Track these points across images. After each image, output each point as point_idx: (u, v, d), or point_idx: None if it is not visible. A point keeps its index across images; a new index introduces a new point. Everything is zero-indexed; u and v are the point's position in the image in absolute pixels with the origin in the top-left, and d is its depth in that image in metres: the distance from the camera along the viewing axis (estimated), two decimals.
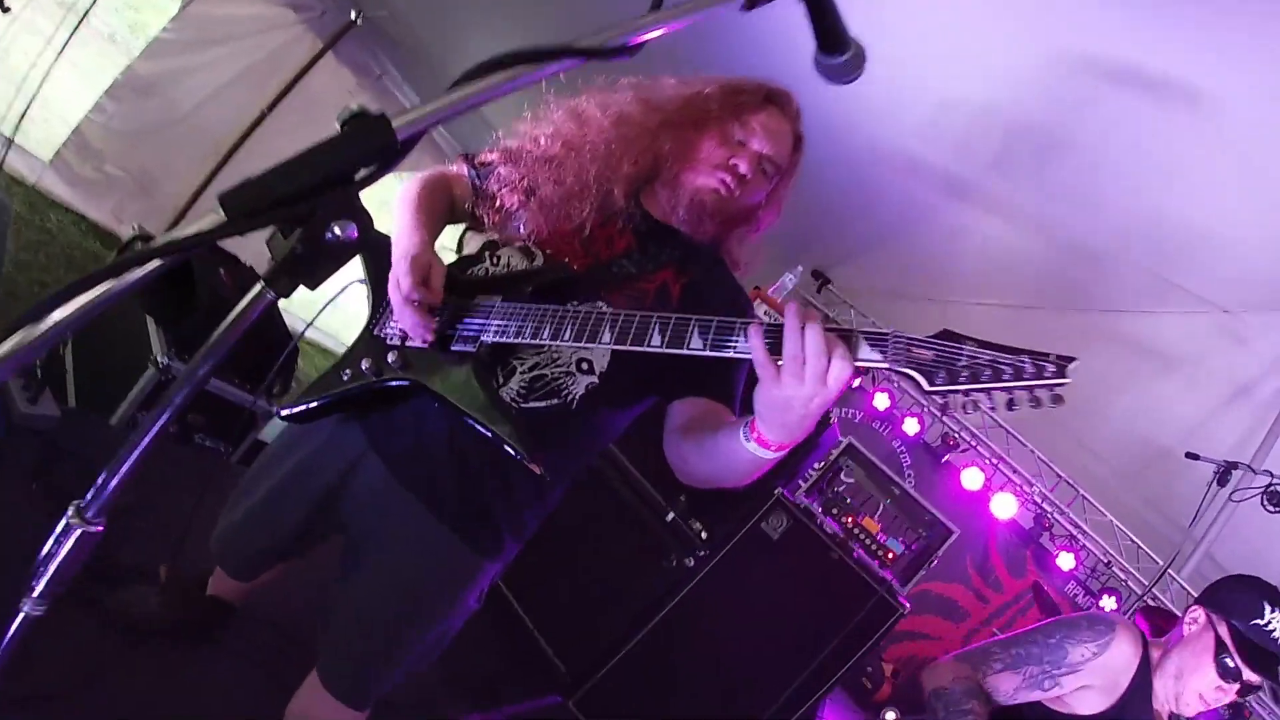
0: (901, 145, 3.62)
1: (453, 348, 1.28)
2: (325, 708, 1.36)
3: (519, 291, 1.31)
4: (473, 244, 1.52)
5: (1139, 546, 5.32)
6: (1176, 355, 3.89)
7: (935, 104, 3.25)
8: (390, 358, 1.32)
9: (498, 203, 1.44)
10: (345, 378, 1.34)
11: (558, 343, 1.18)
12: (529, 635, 3.24)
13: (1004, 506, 5.47)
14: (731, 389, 1.36)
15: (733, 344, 1.00)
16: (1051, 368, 0.85)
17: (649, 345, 1.07)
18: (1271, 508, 3.51)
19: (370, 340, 1.39)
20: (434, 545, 1.34)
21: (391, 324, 1.36)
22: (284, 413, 1.39)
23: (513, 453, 1.17)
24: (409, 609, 1.36)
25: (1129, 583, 5.37)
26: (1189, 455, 3.67)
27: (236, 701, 1.85)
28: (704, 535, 3.14)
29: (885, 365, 0.91)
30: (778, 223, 1.52)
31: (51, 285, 3.63)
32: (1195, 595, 5.00)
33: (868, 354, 0.92)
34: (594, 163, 1.37)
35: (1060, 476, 5.66)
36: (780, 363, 0.93)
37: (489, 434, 1.19)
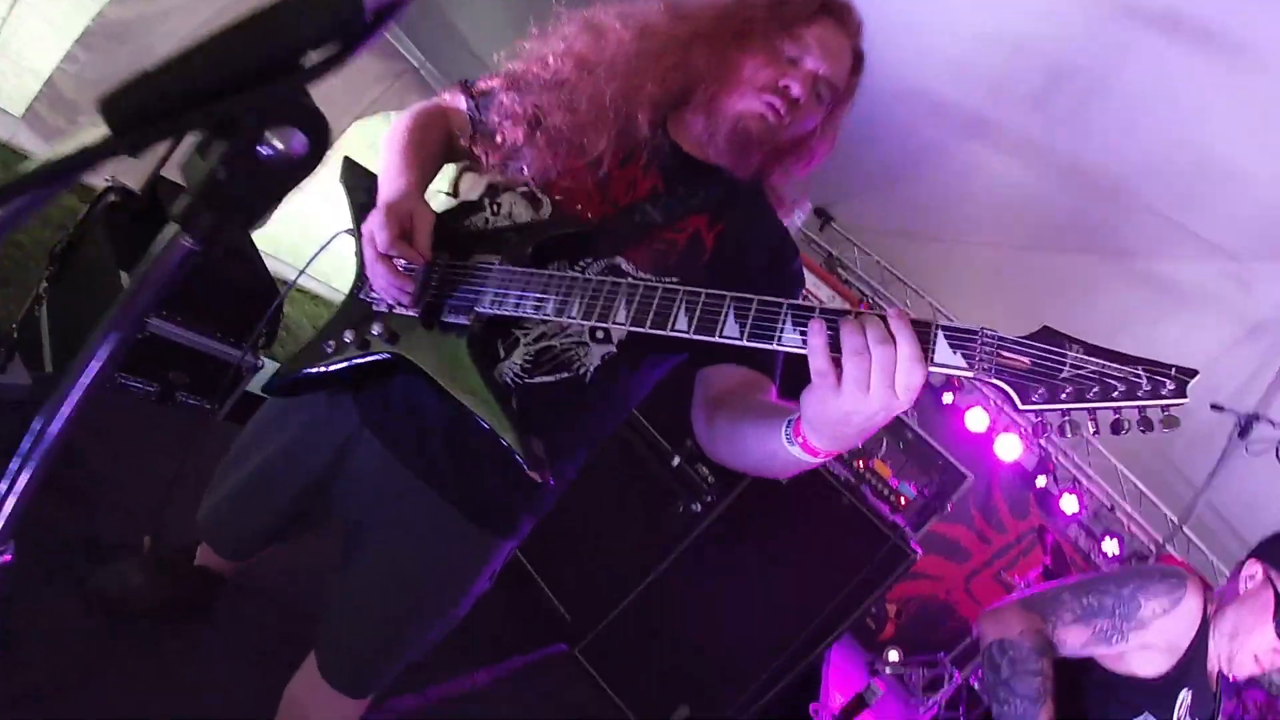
0: (917, 79, 3.45)
1: (444, 318, 1.10)
2: (324, 696, 1.26)
3: (520, 250, 1.11)
4: (472, 187, 1.30)
5: (1143, 492, 5.29)
6: (1182, 300, 3.84)
7: (967, 39, 3.11)
8: (375, 328, 1.15)
9: (498, 138, 1.23)
10: (328, 350, 1.18)
11: (563, 319, 1.01)
12: (534, 585, 3.19)
13: (1008, 448, 5.42)
14: (773, 358, 1.17)
15: (776, 333, 0.84)
16: (1171, 384, 0.71)
17: (673, 329, 0.90)
18: None
19: (355, 306, 1.21)
20: (439, 532, 1.20)
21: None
22: (264, 388, 1.24)
23: (507, 448, 1.01)
24: (412, 604, 1.23)
25: (1131, 527, 5.36)
26: (1214, 407, 3.58)
27: (232, 687, 1.75)
28: (711, 480, 3.06)
29: (970, 374, 0.75)
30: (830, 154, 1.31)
31: (27, 246, 3.49)
32: (1199, 543, 5.01)
33: (948, 356, 0.76)
34: (611, 83, 1.16)
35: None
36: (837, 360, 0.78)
37: (484, 425, 1.03)
